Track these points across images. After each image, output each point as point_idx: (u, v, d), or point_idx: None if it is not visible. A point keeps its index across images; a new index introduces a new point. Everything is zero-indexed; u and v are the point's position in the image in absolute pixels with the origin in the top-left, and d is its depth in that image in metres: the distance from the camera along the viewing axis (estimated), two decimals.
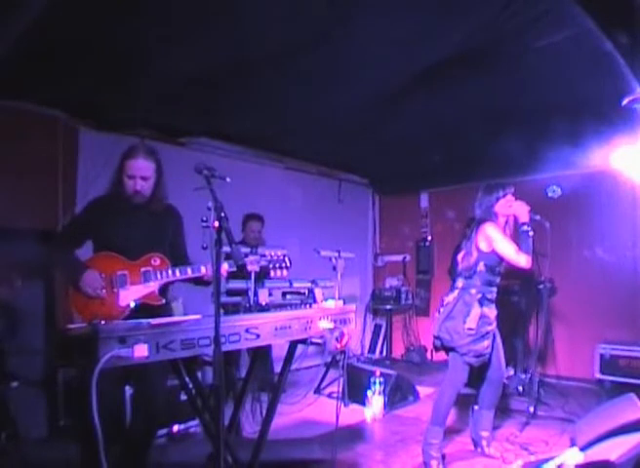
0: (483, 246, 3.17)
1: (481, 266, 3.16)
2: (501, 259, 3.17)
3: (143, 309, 2.40)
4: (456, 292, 3.21)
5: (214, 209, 1.95)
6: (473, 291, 3.14)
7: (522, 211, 3.19)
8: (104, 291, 2.40)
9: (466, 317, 3.08)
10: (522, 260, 3.09)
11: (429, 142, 5.21)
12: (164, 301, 2.52)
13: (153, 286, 2.47)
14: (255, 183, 5.54)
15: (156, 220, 2.59)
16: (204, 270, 2.48)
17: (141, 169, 2.47)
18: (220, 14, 2.73)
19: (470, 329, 3.06)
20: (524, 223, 3.16)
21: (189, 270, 2.49)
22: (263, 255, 2.56)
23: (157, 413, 2.55)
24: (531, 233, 3.16)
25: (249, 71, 3.44)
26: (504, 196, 3.23)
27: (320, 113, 4.35)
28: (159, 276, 2.47)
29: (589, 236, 5.38)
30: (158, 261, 2.50)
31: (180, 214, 2.75)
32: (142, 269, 2.46)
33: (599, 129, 3.98)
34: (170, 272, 2.48)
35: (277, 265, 2.55)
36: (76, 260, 2.50)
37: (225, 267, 2.41)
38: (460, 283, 3.22)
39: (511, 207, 3.22)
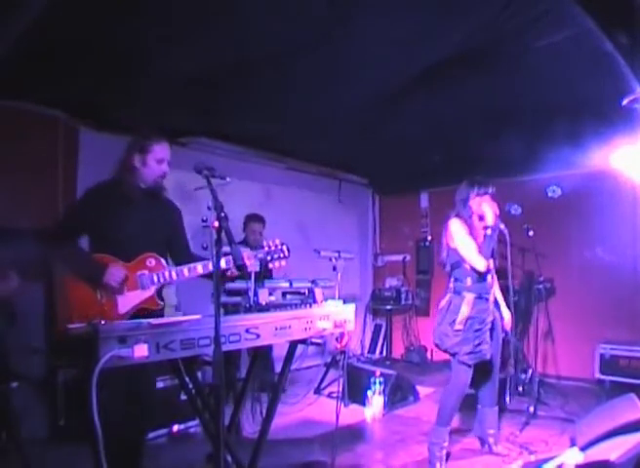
0: (450, 242, 3.19)
1: (467, 264, 3.16)
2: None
3: (142, 314, 2.32)
4: (447, 296, 3.22)
5: (214, 208, 1.94)
6: (465, 293, 3.14)
7: (489, 214, 3.13)
8: (125, 286, 2.35)
9: (455, 318, 3.10)
10: (479, 263, 3.06)
11: (429, 142, 5.21)
12: (163, 304, 2.46)
13: (151, 290, 2.41)
14: (255, 183, 5.54)
15: (153, 214, 2.52)
16: (200, 269, 2.40)
17: (168, 153, 2.51)
18: (220, 14, 2.73)
19: (457, 330, 3.08)
20: (488, 227, 3.12)
21: (186, 271, 2.41)
22: (261, 247, 2.50)
23: (151, 413, 2.53)
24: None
25: (249, 71, 3.44)
26: (481, 194, 3.19)
27: (320, 113, 4.35)
28: (155, 279, 2.40)
29: (589, 236, 5.37)
30: (153, 262, 2.42)
31: (179, 208, 2.71)
32: (138, 273, 2.39)
33: (599, 129, 3.98)
34: (167, 274, 2.41)
35: (275, 256, 2.48)
36: (92, 258, 2.41)
37: (223, 265, 2.33)
38: (451, 285, 3.23)
39: (481, 206, 3.18)
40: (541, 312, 4.93)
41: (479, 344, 3.10)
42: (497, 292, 3.38)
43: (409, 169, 6.29)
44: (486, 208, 3.16)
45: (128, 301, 2.37)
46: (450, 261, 3.24)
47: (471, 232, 3.16)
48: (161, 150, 2.48)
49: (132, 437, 2.45)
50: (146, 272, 2.41)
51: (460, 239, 3.13)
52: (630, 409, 2.82)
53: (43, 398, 3.61)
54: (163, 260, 2.47)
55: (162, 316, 2.39)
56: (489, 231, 3.11)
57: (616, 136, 3.91)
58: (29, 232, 3.72)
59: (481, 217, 3.21)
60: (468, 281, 3.15)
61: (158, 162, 2.46)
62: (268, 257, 2.48)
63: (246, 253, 2.39)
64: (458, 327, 3.08)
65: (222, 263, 2.32)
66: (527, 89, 3.75)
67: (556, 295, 5.35)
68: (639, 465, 2.44)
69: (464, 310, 3.09)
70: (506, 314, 3.43)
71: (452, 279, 3.23)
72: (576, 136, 4.23)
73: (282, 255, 2.50)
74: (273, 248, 2.49)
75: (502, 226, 3.17)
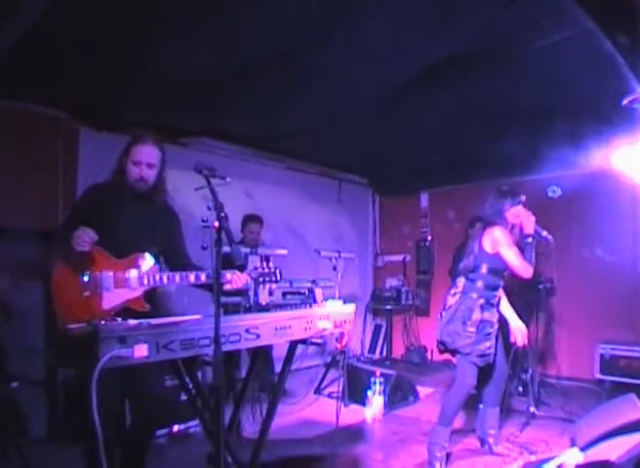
0: (487, 247, 3.17)
1: (484, 269, 3.16)
2: (506, 264, 3.17)
3: (127, 314, 2.21)
4: (457, 295, 3.21)
5: (214, 208, 1.93)
6: (474, 295, 3.14)
7: (528, 222, 3.19)
8: (89, 247, 2.23)
9: (467, 320, 3.10)
10: (528, 271, 3.09)
11: (429, 142, 5.21)
12: (149, 308, 2.37)
13: (138, 290, 2.34)
14: (255, 183, 5.54)
15: (151, 217, 2.49)
16: (192, 279, 2.36)
17: (148, 155, 2.43)
18: (221, 14, 2.73)
19: (470, 332, 3.09)
20: (529, 235, 3.17)
21: (177, 277, 2.37)
22: (255, 268, 2.49)
23: (154, 414, 2.51)
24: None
25: (249, 71, 3.44)
26: (516, 204, 3.22)
27: (320, 113, 4.35)
28: (146, 281, 2.34)
29: (589, 236, 5.37)
30: (144, 263, 2.38)
31: (178, 214, 2.66)
32: (127, 271, 2.34)
33: (599, 129, 3.98)
34: (157, 277, 2.36)
35: (267, 279, 2.49)
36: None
37: (229, 277, 2.37)
38: (460, 285, 3.23)
39: (518, 217, 3.22)
40: (541, 312, 4.93)
41: (490, 347, 3.12)
42: (506, 306, 3.41)
43: (409, 169, 6.28)
44: (523, 216, 3.20)
45: (113, 298, 2.32)
46: (474, 263, 3.22)
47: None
48: (138, 153, 2.41)
49: (134, 439, 2.45)
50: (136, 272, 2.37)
51: (509, 248, 3.13)
52: (630, 409, 2.82)
53: (43, 398, 3.61)
54: (155, 262, 2.41)
55: (150, 318, 2.34)
56: (530, 239, 3.15)
57: (616, 136, 3.91)
58: (30, 232, 3.74)
59: (513, 226, 3.24)
60: (479, 284, 3.16)
61: (134, 164, 2.41)
62: (260, 279, 2.49)
63: (236, 274, 2.38)
64: (470, 329, 3.09)
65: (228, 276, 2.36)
66: (527, 89, 3.75)
67: (556, 295, 5.34)
68: (639, 466, 2.44)
69: (477, 314, 3.10)
70: (519, 324, 3.39)
71: (461, 278, 3.23)
72: (576, 136, 4.23)
73: (274, 279, 2.50)
74: (267, 270, 2.48)
75: (546, 233, 3.19)
